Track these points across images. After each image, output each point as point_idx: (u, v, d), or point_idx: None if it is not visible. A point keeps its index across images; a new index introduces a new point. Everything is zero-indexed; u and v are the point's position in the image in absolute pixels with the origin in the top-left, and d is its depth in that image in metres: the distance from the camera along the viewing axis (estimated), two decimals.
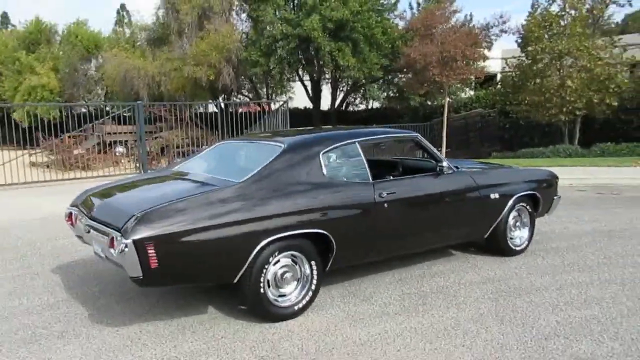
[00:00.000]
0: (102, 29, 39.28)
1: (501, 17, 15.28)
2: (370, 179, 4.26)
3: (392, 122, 21.03)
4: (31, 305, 4.23)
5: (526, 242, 5.43)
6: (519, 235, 5.39)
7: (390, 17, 20.80)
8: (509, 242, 5.26)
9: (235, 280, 3.60)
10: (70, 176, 12.54)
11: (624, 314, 3.84)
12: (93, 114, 19.65)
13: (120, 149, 17.80)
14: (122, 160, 16.08)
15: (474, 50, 14.77)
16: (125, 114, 16.98)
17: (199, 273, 3.52)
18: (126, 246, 3.16)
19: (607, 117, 16.04)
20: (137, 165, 14.75)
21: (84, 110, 24.22)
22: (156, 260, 3.22)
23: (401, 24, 20.23)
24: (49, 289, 4.62)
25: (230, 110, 15.66)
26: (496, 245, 5.26)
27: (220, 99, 23.67)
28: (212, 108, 25.94)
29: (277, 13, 19.24)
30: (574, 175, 9.94)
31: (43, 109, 23.15)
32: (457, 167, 4.88)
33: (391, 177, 4.71)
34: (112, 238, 3.35)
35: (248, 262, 3.55)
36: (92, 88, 28.21)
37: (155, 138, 17.07)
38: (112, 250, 3.39)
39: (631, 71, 15.15)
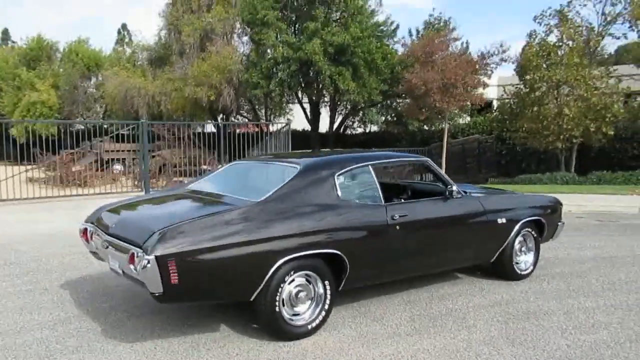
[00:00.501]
0: (103, 48, 39.66)
1: (501, 45, 15.65)
2: (383, 201, 4.34)
3: (390, 145, 21.24)
4: (43, 320, 4.24)
5: (531, 267, 5.50)
6: (524, 260, 5.47)
7: (390, 43, 21.20)
8: (514, 266, 5.33)
9: (252, 299, 3.64)
10: (68, 193, 12.53)
11: (632, 339, 3.90)
12: (91, 131, 19.80)
13: (118, 167, 17.84)
14: (121, 178, 16.09)
15: (474, 77, 15.04)
16: (123, 132, 17.07)
17: (217, 290, 3.56)
18: (148, 262, 3.20)
19: (602, 146, 16.29)
20: (137, 183, 14.79)
21: (81, 127, 24.35)
22: (177, 277, 3.26)
23: (400, 50, 20.62)
24: (59, 305, 4.63)
25: (229, 130, 15.83)
26: (502, 270, 5.33)
27: (219, 119, 23.85)
28: (209, 128, 26.09)
29: (278, 37, 19.54)
30: (573, 202, 10.06)
31: (41, 125, 23.21)
32: (465, 192, 4.98)
33: (402, 200, 4.79)
34: (133, 254, 3.40)
35: (265, 280, 3.60)
36: (91, 106, 28.34)
37: (154, 157, 17.15)
38: (131, 267, 3.43)
39: (625, 101, 15.45)
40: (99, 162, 17.10)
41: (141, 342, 3.81)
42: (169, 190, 5.32)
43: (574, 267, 5.96)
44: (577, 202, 10.33)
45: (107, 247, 3.86)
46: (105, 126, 23.66)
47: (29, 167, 15.43)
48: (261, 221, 3.66)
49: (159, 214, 4.16)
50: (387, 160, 4.91)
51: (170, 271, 3.24)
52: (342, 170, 4.22)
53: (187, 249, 3.31)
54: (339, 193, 4.10)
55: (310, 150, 5.59)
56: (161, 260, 3.21)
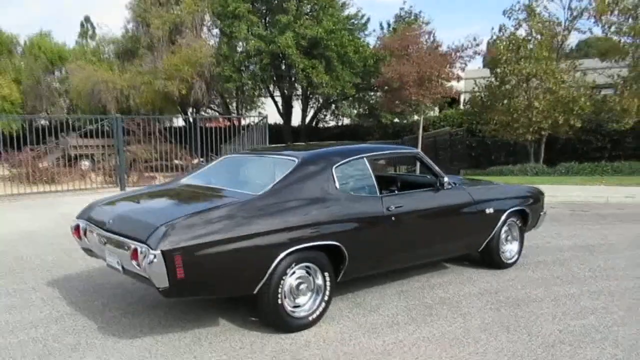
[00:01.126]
0: (67, 41, 38.60)
1: (474, 39, 15.91)
2: (378, 192, 4.40)
3: (362, 139, 21.38)
4: (35, 319, 4.14)
5: (516, 256, 5.66)
6: (509, 249, 5.62)
7: (361, 36, 21.30)
8: (501, 255, 5.48)
9: (255, 291, 3.65)
10: (36, 190, 12.17)
11: (618, 323, 4.07)
12: (57, 127, 19.24)
13: (86, 163, 17.41)
14: (90, 175, 15.72)
15: (449, 71, 15.28)
16: (91, 127, 16.67)
17: (221, 284, 3.56)
18: (155, 257, 3.17)
19: (568, 138, 16.80)
20: (107, 179, 14.48)
21: (46, 122, 23.64)
22: (183, 271, 3.24)
23: (372, 43, 20.74)
24: (49, 303, 4.53)
25: (200, 125, 15.62)
26: (489, 259, 5.47)
27: (190, 113, 23.53)
28: (179, 122, 25.71)
29: (250, 30, 19.38)
30: (546, 193, 10.33)
31: (3, 123, 22.44)
32: (455, 183, 5.08)
33: (395, 192, 4.85)
34: (136, 250, 3.35)
35: (268, 273, 3.61)
36: (55, 100, 27.54)
37: (124, 152, 16.80)
38: (134, 262, 3.39)
39: (590, 95, 15.96)
40: (66, 158, 16.67)
41: (141, 338, 3.77)
42: (162, 185, 5.24)
43: (555, 256, 6.17)
44: (549, 193, 10.54)
45: (105, 244, 3.80)
46: (71, 121, 23.04)
47: None
48: (264, 214, 3.67)
49: (159, 209, 4.12)
50: (381, 152, 4.98)
51: (177, 265, 3.22)
52: (340, 162, 4.26)
53: (193, 243, 3.30)
54: (337, 185, 4.14)
55: (302, 143, 5.61)
56: (167, 255, 3.19)
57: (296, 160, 4.16)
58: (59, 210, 9.43)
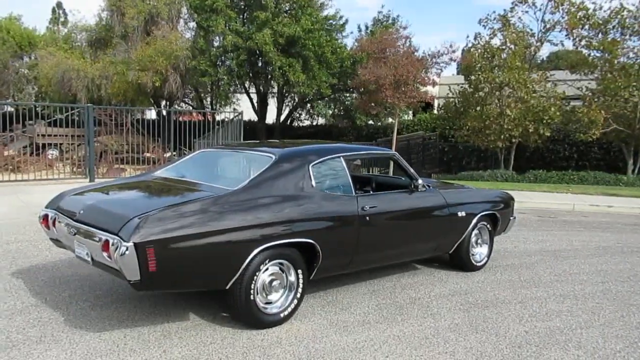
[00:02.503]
0: (37, 27, 37.53)
1: (451, 46, 16.17)
2: (354, 192, 4.42)
3: (336, 139, 21.45)
4: None
5: (485, 259, 5.77)
6: (479, 252, 5.72)
7: (339, 37, 21.35)
8: (471, 257, 5.57)
9: (227, 287, 3.62)
10: (0, 178, 11.79)
11: (582, 326, 4.19)
12: (25, 114, 18.75)
13: (53, 152, 16.98)
14: (57, 164, 15.34)
15: (425, 75, 15.46)
16: (60, 116, 16.28)
17: (194, 278, 3.51)
18: (127, 249, 3.11)
19: (537, 146, 17.19)
20: (75, 169, 14.16)
21: (11, 109, 22.99)
22: (155, 264, 3.19)
23: (350, 45, 20.81)
24: (12, 294, 4.40)
25: (174, 118, 15.38)
26: (459, 261, 5.56)
27: (163, 106, 23.20)
28: (150, 115, 25.32)
29: (227, 25, 19.21)
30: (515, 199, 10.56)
31: None
32: (429, 186, 5.14)
33: (370, 192, 4.88)
34: (107, 241, 3.29)
35: (242, 268, 3.59)
36: (23, 87, 26.79)
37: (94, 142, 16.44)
38: (104, 254, 3.33)
39: (560, 105, 16.36)
40: (33, 146, 16.22)
41: (109, 331, 3.70)
42: (135, 176, 5.15)
43: (522, 260, 6.30)
44: (518, 199, 10.79)
45: (75, 235, 3.71)
46: (38, 109, 22.50)
47: None
48: (239, 209, 3.64)
49: (132, 201, 4.04)
50: (358, 153, 5.01)
51: (149, 258, 3.17)
52: (317, 161, 4.26)
53: (166, 236, 3.25)
54: (314, 183, 4.14)
55: (277, 140, 5.59)
56: (140, 247, 3.14)
57: (273, 157, 4.15)
58: (24, 200, 9.17)
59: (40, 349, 3.38)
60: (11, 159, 14.27)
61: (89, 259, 3.61)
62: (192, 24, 22.93)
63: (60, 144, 16.78)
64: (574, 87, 16.97)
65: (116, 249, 3.19)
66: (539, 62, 20.10)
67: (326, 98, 21.67)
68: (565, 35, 16.88)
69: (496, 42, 17.03)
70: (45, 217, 4.20)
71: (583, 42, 16.55)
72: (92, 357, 3.28)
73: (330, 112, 22.75)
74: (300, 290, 4.01)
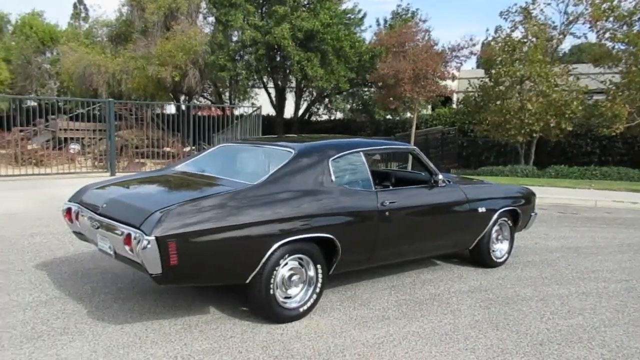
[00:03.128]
0: (59, 22, 38.00)
1: (471, 39, 15.97)
2: (373, 187, 4.40)
3: (354, 134, 21.42)
4: (23, 302, 4.09)
5: (506, 255, 5.70)
6: (499, 248, 5.66)
7: (357, 31, 21.24)
8: (491, 254, 5.51)
9: (247, 281, 3.64)
10: (24, 172, 12.02)
11: (606, 324, 4.12)
12: (48, 109, 19.00)
13: (74, 146, 17.23)
14: (78, 158, 15.56)
15: (444, 69, 15.32)
16: (81, 111, 16.50)
17: (214, 272, 3.54)
18: (148, 243, 3.15)
19: (558, 141, 16.94)
20: (96, 163, 14.35)
21: (34, 104, 23.36)
22: (176, 258, 3.22)
23: (368, 39, 20.69)
24: (37, 286, 4.48)
25: (193, 113, 15.46)
26: (479, 257, 5.50)
27: (182, 100, 23.38)
28: (170, 109, 25.54)
29: (246, 19, 19.25)
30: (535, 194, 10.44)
31: None
32: (449, 181, 5.10)
33: (390, 187, 4.86)
34: (129, 235, 3.32)
35: (261, 263, 3.60)
36: (45, 82, 27.20)
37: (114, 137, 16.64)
38: (127, 247, 3.37)
39: (582, 99, 16.08)
40: (56, 140, 16.48)
41: (131, 323, 3.75)
42: (156, 171, 5.19)
43: (543, 256, 6.22)
44: (539, 195, 10.66)
45: (97, 228, 3.76)
46: (60, 104, 22.80)
47: None
48: (259, 204, 3.65)
49: (154, 195, 4.08)
50: (377, 147, 4.99)
51: (170, 252, 3.19)
52: (336, 156, 4.24)
53: (187, 230, 3.27)
54: (333, 178, 4.13)
55: (296, 135, 5.60)
56: (161, 241, 3.16)
57: (293, 152, 4.14)
58: (46, 193, 9.33)
59: (64, 340, 3.43)
60: (34, 153, 14.51)
61: (112, 252, 3.66)
62: (211, 19, 23.08)
63: (82, 138, 17.02)
64: (597, 81, 16.66)
65: (138, 242, 3.22)
66: (561, 55, 19.79)
67: (344, 92, 21.62)
68: (589, 28, 16.60)
69: (517, 35, 16.81)
70: (68, 211, 4.26)
71: (607, 35, 16.21)
72: (114, 349, 3.33)
73: (349, 106, 22.69)
74: (319, 285, 4.01)
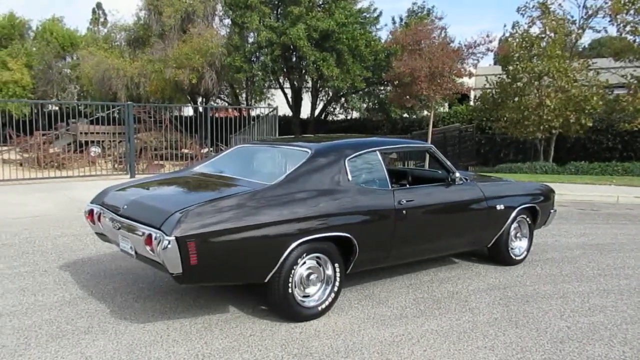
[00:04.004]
0: (78, 27, 38.59)
1: (487, 36, 15.82)
2: (390, 186, 4.41)
3: (371, 133, 21.37)
4: (48, 302, 4.20)
5: (525, 253, 5.66)
6: (518, 246, 5.62)
7: (372, 30, 21.20)
8: (510, 252, 5.48)
9: (266, 280, 3.68)
10: (46, 175, 12.26)
11: (627, 321, 4.07)
12: (68, 113, 19.40)
13: (95, 149, 17.51)
14: (98, 161, 15.83)
15: (461, 66, 15.22)
16: (101, 114, 16.77)
17: (233, 272, 3.59)
18: (169, 243, 3.21)
19: (578, 137, 16.70)
20: (117, 166, 14.58)
21: (55, 108, 23.79)
22: (196, 258, 3.28)
23: (383, 37, 20.63)
24: (61, 286, 4.58)
25: (210, 114, 15.60)
26: (498, 255, 5.47)
27: (199, 102, 23.58)
28: (187, 111, 25.80)
29: (261, 20, 19.34)
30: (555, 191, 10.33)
31: (13, 105, 22.61)
32: (466, 179, 5.09)
33: (407, 186, 4.86)
34: (150, 235, 3.39)
35: (279, 262, 3.64)
36: (66, 86, 27.64)
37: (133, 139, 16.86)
38: (148, 248, 3.43)
39: (603, 94, 15.82)
40: (77, 144, 16.77)
41: (152, 322, 3.82)
42: (175, 172, 5.28)
43: (563, 254, 6.16)
44: (559, 191, 10.52)
45: (119, 229, 3.84)
46: (81, 107, 23.20)
47: (4, 148, 15.06)
48: (277, 204, 3.69)
49: (173, 196, 4.15)
50: (394, 146, 5.00)
51: (190, 252, 3.25)
52: (353, 155, 4.27)
53: (207, 230, 3.33)
54: (350, 177, 4.15)
55: (312, 135, 5.65)
56: (181, 241, 3.22)
57: (309, 152, 4.18)
58: (69, 195, 9.51)
59: (88, 339, 3.51)
60: (56, 156, 14.79)
61: (133, 253, 3.73)
62: (227, 21, 23.22)
63: (102, 141, 17.31)
64: (618, 75, 16.36)
65: (159, 242, 3.28)
66: (580, 50, 19.47)
67: (360, 92, 21.59)
68: (609, 21, 16.29)
69: (535, 30, 16.59)
70: (90, 212, 4.35)
71: (628, 28, 15.89)
72: (137, 347, 3.40)
73: (365, 105, 22.65)
74: (337, 283, 4.04)
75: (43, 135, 14.97)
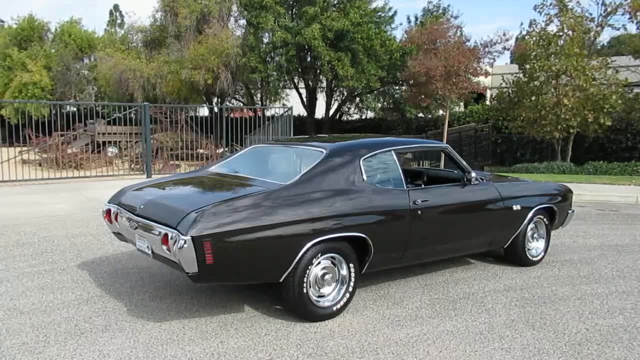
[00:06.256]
0: (96, 29, 39.02)
1: (504, 34, 15.68)
2: (405, 186, 4.39)
3: (386, 133, 21.31)
4: (66, 300, 4.26)
5: (542, 254, 5.60)
6: (535, 247, 5.56)
7: (387, 29, 21.13)
8: (526, 252, 5.43)
9: (281, 280, 3.69)
10: (64, 175, 12.44)
11: None
12: (86, 114, 19.65)
13: (112, 150, 17.73)
14: (116, 161, 16.02)
15: (477, 65, 15.11)
16: (118, 115, 16.96)
17: (248, 271, 3.61)
18: (185, 242, 3.23)
19: (597, 136, 16.47)
20: (133, 166, 14.73)
21: (73, 109, 24.11)
22: (211, 257, 3.30)
23: (399, 37, 20.56)
24: (79, 285, 4.64)
25: (225, 115, 15.69)
26: (514, 255, 5.42)
27: (215, 102, 23.72)
28: (202, 112, 25.95)
29: (276, 21, 19.39)
30: (573, 191, 10.20)
31: (31, 106, 22.95)
32: (482, 179, 5.05)
33: (422, 185, 4.84)
34: (166, 235, 3.42)
35: (294, 262, 3.64)
36: (84, 87, 27.96)
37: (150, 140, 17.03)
38: (164, 247, 3.46)
39: (622, 93, 15.58)
40: (94, 144, 16.99)
41: (169, 321, 3.85)
42: (191, 172, 5.32)
43: (581, 255, 6.08)
44: (577, 192, 10.39)
45: (136, 228, 3.88)
46: (98, 108, 23.49)
47: (23, 148, 15.31)
48: (292, 204, 3.70)
49: (189, 196, 4.18)
50: (409, 146, 4.97)
51: (206, 251, 3.27)
52: (368, 155, 4.26)
53: (222, 230, 3.35)
54: (365, 177, 4.15)
55: (327, 135, 5.65)
56: (197, 241, 3.25)
57: (324, 152, 4.18)
58: (86, 195, 9.63)
59: (106, 337, 3.56)
60: (74, 156, 15.01)
61: (149, 252, 3.77)
62: (242, 22, 23.32)
63: (119, 141, 17.52)
64: (638, 73, 16.12)
65: (175, 242, 3.31)
66: (598, 48, 19.22)
67: (375, 91, 21.55)
68: (628, 19, 16.06)
69: (552, 28, 16.39)
70: (108, 212, 4.40)
71: None
72: (153, 346, 3.43)
73: (380, 105, 22.61)
74: (352, 283, 4.04)
75: (61, 135, 15.18)
